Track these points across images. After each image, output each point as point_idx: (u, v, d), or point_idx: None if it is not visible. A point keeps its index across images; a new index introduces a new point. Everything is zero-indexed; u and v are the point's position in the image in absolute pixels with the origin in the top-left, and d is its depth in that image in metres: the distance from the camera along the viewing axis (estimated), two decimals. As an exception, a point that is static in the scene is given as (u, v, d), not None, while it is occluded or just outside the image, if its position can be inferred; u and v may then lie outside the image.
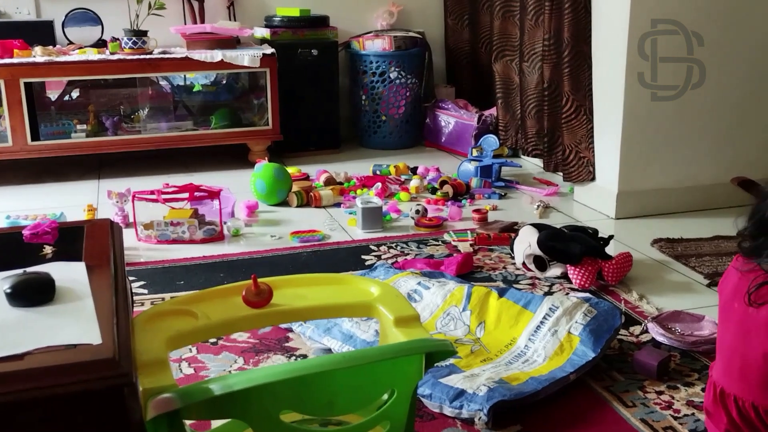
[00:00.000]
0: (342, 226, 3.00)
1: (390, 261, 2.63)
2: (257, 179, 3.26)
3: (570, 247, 2.42)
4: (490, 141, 3.66)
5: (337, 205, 3.27)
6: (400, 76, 4.17)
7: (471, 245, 2.74)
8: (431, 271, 2.44)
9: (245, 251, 2.79)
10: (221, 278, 2.56)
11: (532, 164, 3.95)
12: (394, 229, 2.96)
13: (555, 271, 2.49)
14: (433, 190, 3.43)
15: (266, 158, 3.63)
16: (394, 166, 3.71)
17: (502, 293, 2.18)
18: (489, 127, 4.04)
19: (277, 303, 1.50)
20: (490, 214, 3.12)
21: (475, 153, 3.68)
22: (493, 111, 4.07)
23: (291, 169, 3.58)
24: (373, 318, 1.85)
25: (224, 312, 1.45)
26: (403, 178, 3.65)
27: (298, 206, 3.24)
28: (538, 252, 2.44)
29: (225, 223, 2.99)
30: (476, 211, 3.05)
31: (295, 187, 3.31)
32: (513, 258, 2.63)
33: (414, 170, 3.74)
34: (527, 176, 3.74)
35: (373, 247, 2.76)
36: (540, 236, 2.43)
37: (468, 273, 2.52)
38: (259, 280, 1.52)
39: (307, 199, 3.26)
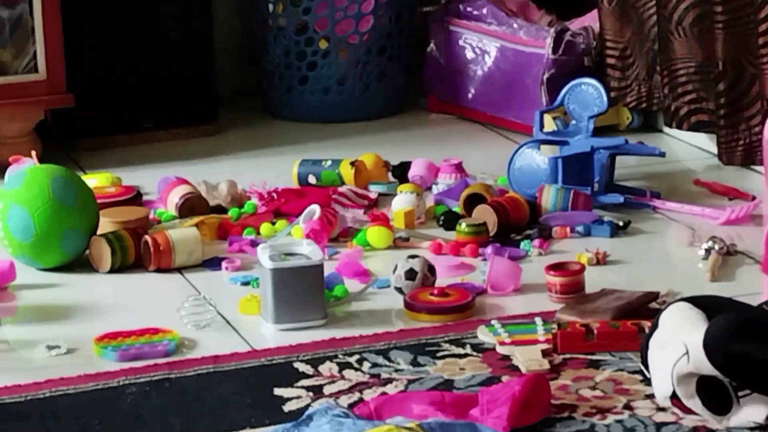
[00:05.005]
0: (224, 315, 2.74)
1: (346, 400, 2.40)
2: (11, 206, 3.00)
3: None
4: (587, 95, 3.33)
5: (213, 263, 3.00)
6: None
7: (544, 354, 2.54)
8: (446, 422, 2.23)
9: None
10: None
11: (690, 148, 3.76)
12: (354, 319, 2.77)
13: (753, 412, 2.28)
14: (449, 220, 3.12)
15: (35, 154, 3.35)
16: (352, 164, 3.42)
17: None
18: (582, 61, 3.70)
19: None
20: (590, 273, 2.85)
21: (549, 124, 3.45)
22: (589, 20, 3.75)
23: (95, 179, 3.41)
24: None
25: None
26: (373, 191, 3.37)
27: (114, 269, 2.97)
28: (709, 369, 2.26)
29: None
30: (557, 268, 2.82)
31: (107, 223, 3.09)
32: (646, 380, 2.44)
33: (400, 171, 3.43)
34: (681, 178, 3.53)
35: (302, 367, 2.56)
36: (713, 329, 2.25)
37: (537, 423, 2.29)
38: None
39: (138, 252, 3.00)
